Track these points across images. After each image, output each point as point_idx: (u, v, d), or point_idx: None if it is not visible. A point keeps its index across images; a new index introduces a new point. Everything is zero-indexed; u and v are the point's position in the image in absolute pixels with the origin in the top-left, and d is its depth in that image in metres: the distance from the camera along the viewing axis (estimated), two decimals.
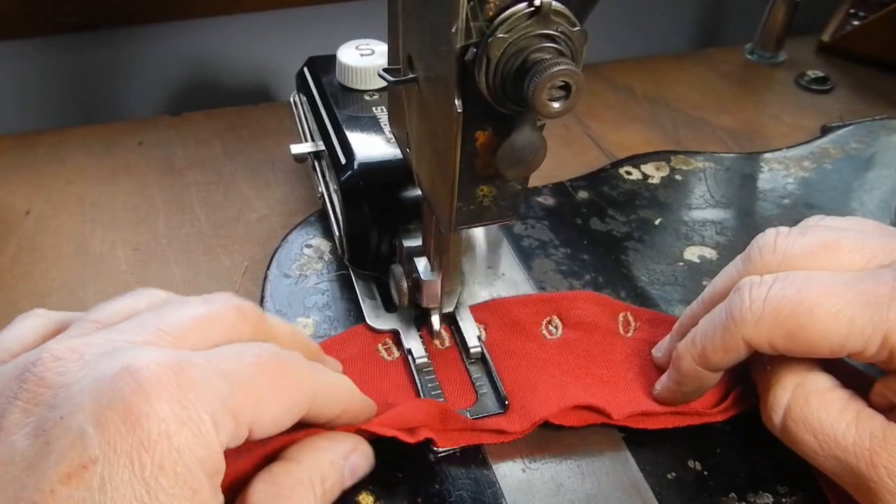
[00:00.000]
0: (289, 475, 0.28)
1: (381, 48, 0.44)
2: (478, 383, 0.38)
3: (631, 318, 0.40)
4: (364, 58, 0.43)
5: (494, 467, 0.34)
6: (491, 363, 0.38)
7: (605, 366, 0.38)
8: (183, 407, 0.23)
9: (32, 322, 0.27)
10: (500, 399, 0.37)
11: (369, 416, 0.32)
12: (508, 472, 0.34)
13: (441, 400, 0.36)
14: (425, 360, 0.38)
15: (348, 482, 0.30)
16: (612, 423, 0.35)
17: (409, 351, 0.38)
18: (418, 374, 0.38)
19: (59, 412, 0.22)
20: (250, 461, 0.29)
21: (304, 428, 0.30)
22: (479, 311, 0.41)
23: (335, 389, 0.30)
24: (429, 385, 0.37)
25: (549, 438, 0.35)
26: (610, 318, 0.40)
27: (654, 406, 0.36)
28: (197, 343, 0.26)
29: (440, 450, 0.34)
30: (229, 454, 0.29)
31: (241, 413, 0.24)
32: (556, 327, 0.40)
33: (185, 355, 0.24)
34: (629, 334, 0.40)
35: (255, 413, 0.25)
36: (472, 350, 0.38)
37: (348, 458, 0.30)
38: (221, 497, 0.25)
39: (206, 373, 0.24)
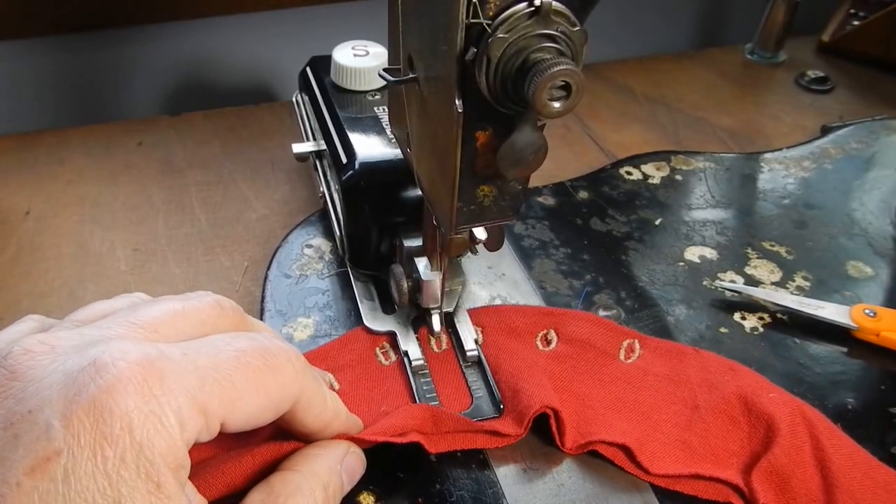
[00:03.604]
0: (286, 484, 0.28)
1: (376, 49, 0.44)
2: (473, 387, 0.37)
3: (637, 346, 0.39)
4: (358, 58, 0.43)
5: (495, 467, 0.34)
6: (487, 367, 0.38)
7: (587, 384, 0.37)
8: (146, 401, 0.23)
9: (25, 326, 0.28)
10: (496, 402, 0.36)
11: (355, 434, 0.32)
12: (509, 472, 0.34)
13: (436, 403, 0.36)
14: (421, 362, 0.38)
15: (347, 487, 0.30)
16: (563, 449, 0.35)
17: (406, 353, 0.38)
18: (414, 376, 0.37)
19: (27, 405, 0.22)
20: (241, 474, 0.29)
21: (292, 441, 0.30)
22: (477, 314, 0.40)
23: (322, 399, 0.30)
24: (424, 388, 0.37)
25: (549, 439, 0.35)
26: (611, 342, 0.39)
27: (610, 436, 0.34)
28: (170, 336, 0.26)
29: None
30: (216, 463, 0.29)
31: (213, 409, 0.24)
32: (550, 341, 0.40)
33: (159, 348, 0.24)
34: (630, 361, 0.39)
35: (228, 408, 0.25)
36: (468, 353, 0.38)
37: (343, 462, 0.30)
38: (193, 494, 0.25)
39: (177, 367, 0.24)
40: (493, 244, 0.35)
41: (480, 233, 0.35)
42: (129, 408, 0.22)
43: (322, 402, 0.29)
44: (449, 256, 0.36)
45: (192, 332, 0.27)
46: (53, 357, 0.24)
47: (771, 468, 0.33)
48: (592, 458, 0.35)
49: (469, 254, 0.37)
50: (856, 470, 0.34)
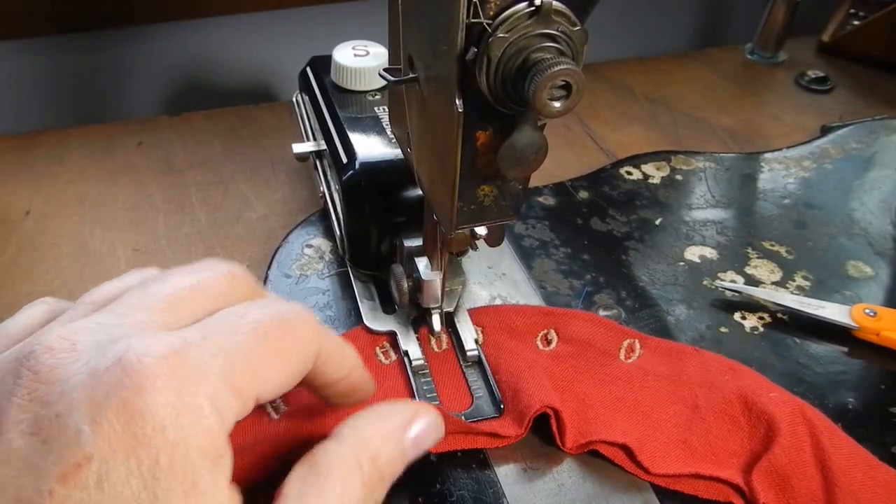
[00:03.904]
0: (327, 455, 0.26)
1: (376, 49, 0.44)
2: (474, 387, 0.37)
3: (637, 346, 0.39)
4: (358, 58, 0.43)
5: (496, 467, 0.34)
6: (487, 366, 0.38)
7: (587, 384, 0.37)
8: (178, 396, 0.22)
9: (38, 310, 0.27)
10: (496, 403, 0.36)
11: (369, 391, 0.31)
12: (509, 472, 0.34)
13: (436, 403, 0.36)
14: (421, 362, 0.38)
15: (412, 455, 0.28)
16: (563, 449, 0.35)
17: (406, 353, 0.38)
18: (414, 376, 0.37)
19: (54, 409, 0.22)
20: (275, 446, 0.28)
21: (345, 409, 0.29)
22: (477, 314, 0.40)
23: (340, 348, 0.29)
24: (424, 388, 0.37)
25: (550, 438, 0.35)
26: (611, 341, 0.39)
27: (610, 436, 0.34)
28: (188, 314, 0.25)
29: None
30: (259, 446, 0.28)
31: (245, 386, 0.24)
32: (550, 340, 0.40)
33: (181, 336, 0.23)
34: (630, 360, 0.39)
35: (259, 382, 0.24)
36: (468, 353, 0.38)
37: (408, 428, 0.28)
38: (227, 485, 0.24)
39: (203, 353, 0.23)
40: (493, 240, 0.35)
41: (481, 229, 0.35)
42: (159, 406, 0.22)
43: (341, 352, 0.29)
44: (450, 252, 0.36)
45: (208, 306, 0.26)
46: (76, 355, 0.23)
47: (771, 468, 0.33)
48: (592, 458, 0.35)
49: (470, 251, 0.37)
50: (856, 469, 0.34)
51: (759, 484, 0.33)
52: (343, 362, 0.29)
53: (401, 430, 0.28)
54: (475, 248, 0.36)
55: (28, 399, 0.22)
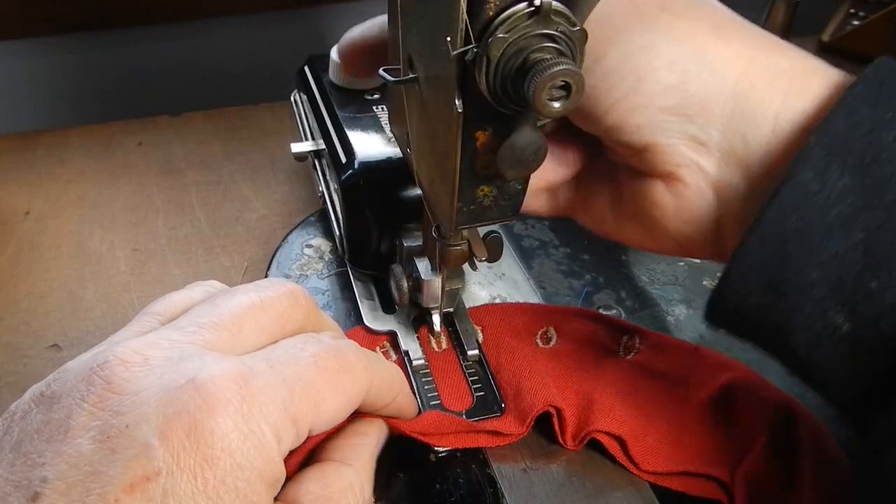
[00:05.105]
0: (340, 479, 0.28)
1: None
2: (475, 386, 0.37)
3: (637, 342, 0.39)
4: None
5: (496, 467, 0.34)
6: (488, 366, 0.38)
7: (587, 381, 0.37)
8: (246, 421, 0.23)
9: (198, 291, 0.29)
10: (497, 402, 0.36)
11: (413, 411, 0.33)
12: (509, 472, 0.34)
13: (437, 402, 0.36)
14: (422, 362, 0.38)
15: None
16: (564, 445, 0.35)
17: (406, 353, 0.38)
18: (415, 376, 0.37)
19: (124, 420, 0.22)
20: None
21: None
22: (477, 313, 0.40)
23: (389, 378, 0.30)
24: (425, 387, 0.37)
25: (550, 438, 0.35)
26: (611, 337, 0.39)
27: (607, 426, 0.35)
28: (252, 333, 0.27)
29: (440, 449, 0.34)
30: None
31: (302, 417, 0.25)
32: (550, 338, 0.40)
33: (248, 364, 0.25)
34: (629, 356, 0.39)
35: (314, 414, 0.25)
36: (469, 352, 0.38)
37: (379, 443, 0.31)
38: None
39: (268, 381, 0.24)
40: (492, 256, 0.36)
41: (480, 251, 0.35)
42: (228, 429, 0.23)
43: (389, 385, 0.30)
44: (448, 268, 0.37)
45: (270, 325, 0.27)
46: (148, 370, 0.24)
47: (750, 471, 0.33)
48: (592, 458, 0.35)
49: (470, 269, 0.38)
50: (834, 470, 0.34)
51: (738, 486, 0.33)
52: (391, 388, 0.31)
53: (378, 450, 0.31)
54: (474, 267, 0.37)
55: (99, 407, 0.23)
